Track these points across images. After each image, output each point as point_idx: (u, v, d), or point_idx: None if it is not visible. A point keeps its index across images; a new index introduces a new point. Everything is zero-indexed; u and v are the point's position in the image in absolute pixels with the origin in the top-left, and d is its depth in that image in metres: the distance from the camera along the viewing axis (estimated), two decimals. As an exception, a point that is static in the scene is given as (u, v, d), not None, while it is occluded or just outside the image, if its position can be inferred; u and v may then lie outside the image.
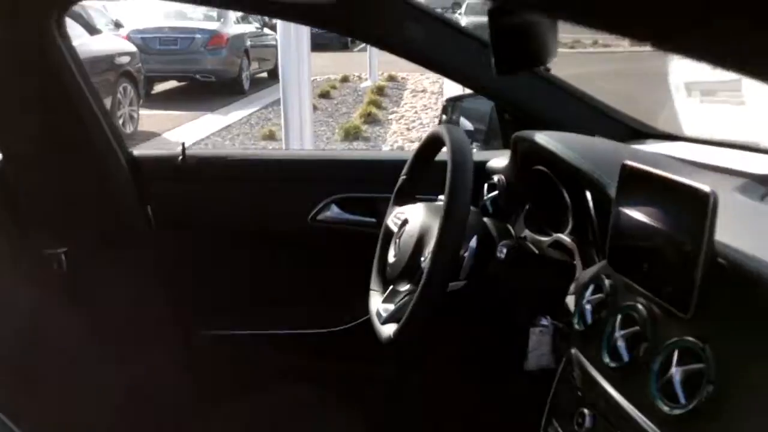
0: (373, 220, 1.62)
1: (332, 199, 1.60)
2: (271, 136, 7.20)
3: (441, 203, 1.29)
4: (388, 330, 1.18)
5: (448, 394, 1.47)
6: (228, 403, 1.52)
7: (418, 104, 9.03)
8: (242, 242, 1.60)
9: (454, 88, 9.80)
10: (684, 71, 1.52)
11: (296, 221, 1.59)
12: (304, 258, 1.61)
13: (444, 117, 1.90)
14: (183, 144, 1.59)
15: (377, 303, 1.29)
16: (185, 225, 1.59)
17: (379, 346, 1.22)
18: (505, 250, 1.16)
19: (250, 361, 1.59)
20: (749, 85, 1.35)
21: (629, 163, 0.99)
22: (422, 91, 10.07)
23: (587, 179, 1.17)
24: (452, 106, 1.89)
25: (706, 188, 0.82)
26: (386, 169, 1.66)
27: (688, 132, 1.47)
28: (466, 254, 1.17)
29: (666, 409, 0.84)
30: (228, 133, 7.64)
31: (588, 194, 1.19)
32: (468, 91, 1.80)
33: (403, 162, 1.48)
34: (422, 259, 1.19)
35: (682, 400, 0.82)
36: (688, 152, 1.32)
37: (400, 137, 7.11)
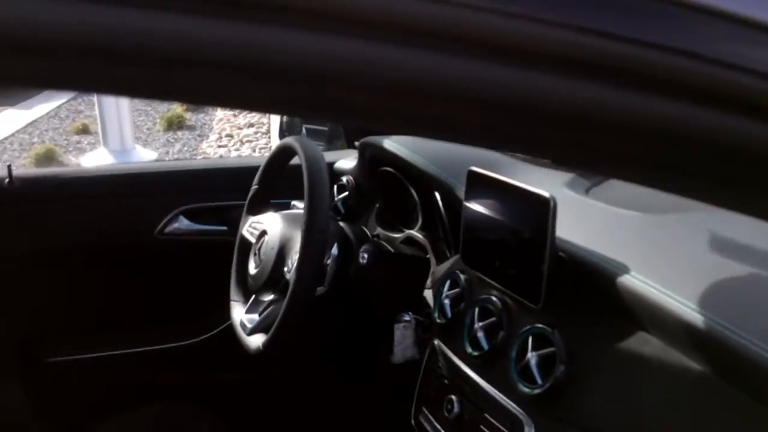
0: (225, 228, 1.61)
1: (180, 210, 1.57)
2: (84, 130, 6.73)
3: (298, 212, 1.32)
4: (256, 341, 1.20)
5: (320, 394, 1.52)
6: (92, 427, 1.46)
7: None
8: (87, 262, 1.53)
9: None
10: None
11: (143, 236, 1.54)
12: (155, 272, 1.57)
13: (285, 118, 1.92)
14: (9, 166, 1.48)
15: (240, 313, 1.30)
16: (20, 252, 1.49)
17: (243, 353, 1.23)
18: (366, 255, 1.22)
19: (111, 382, 1.53)
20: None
21: (475, 169, 1.08)
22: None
23: (436, 182, 1.25)
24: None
25: (546, 194, 0.93)
26: (233, 176, 1.66)
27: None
28: (328, 261, 1.22)
29: (526, 390, 0.94)
30: (35, 129, 7.04)
31: (437, 195, 1.28)
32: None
33: (249, 168, 1.48)
34: (286, 269, 1.21)
35: (539, 381, 0.93)
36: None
37: (227, 124, 6.95)
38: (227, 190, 1.60)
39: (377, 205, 1.51)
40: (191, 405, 1.47)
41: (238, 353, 1.28)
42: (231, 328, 1.32)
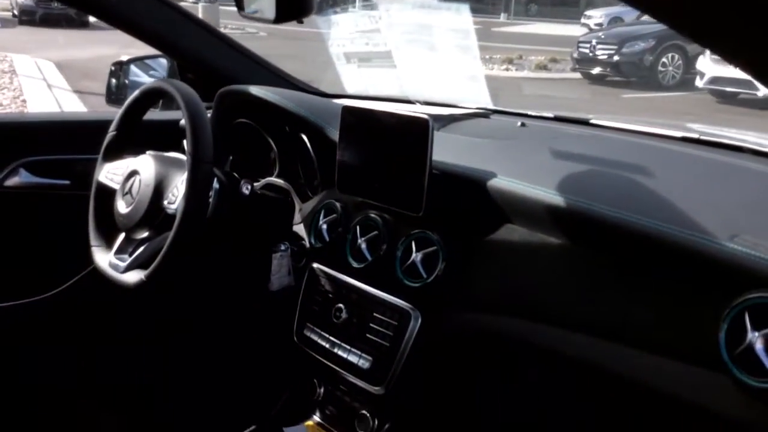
0: (67, 182, 1.56)
1: (19, 163, 1.50)
2: None
3: (168, 154, 1.36)
4: (134, 276, 1.22)
5: (202, 328, 1.53)
6: None
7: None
8: None
9: (27, 66, 8.89)
10: (341, 43, 1.82)
11: None
12: None
13: (114, 81, 1.88)
14: None
15: (107, 256, 1.30)
16: None
17: (108, 296, 1.24)
18: (249, 187, 1.29)
19: None
20: (398, 53, 1.71)
21: (349, 105, 1.22)
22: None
23: (304, 124, 1.37)
24: (121, 68, 1.88)
25: (424, 116, 1.10)
26: (75, 130, 1.61)
27: (351, 91, 1.77)
28: (210, 195, 1.27)
29: (413, 285, 1.10)
30: None
31: (304, 137, 1.39)
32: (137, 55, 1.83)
33: (93, 122, 1.46)
34: (166, 202, 1.24)
35: (424, 275, 1.10)
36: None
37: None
38: (68, 145, 1.55)
39: (230, 158, 1.58)
40: (58, 361, 1.40)
41: (104, 300, 1.28)
42: (94, 274, 1.31)
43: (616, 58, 9.80)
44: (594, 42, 10.14)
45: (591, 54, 10.08)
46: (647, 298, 0.86)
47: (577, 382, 1.01)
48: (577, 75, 10.59)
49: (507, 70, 14.42)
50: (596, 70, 10.10)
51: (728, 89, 7.69)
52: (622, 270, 0.91)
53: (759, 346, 0.73)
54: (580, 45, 10.39)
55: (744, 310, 0.74)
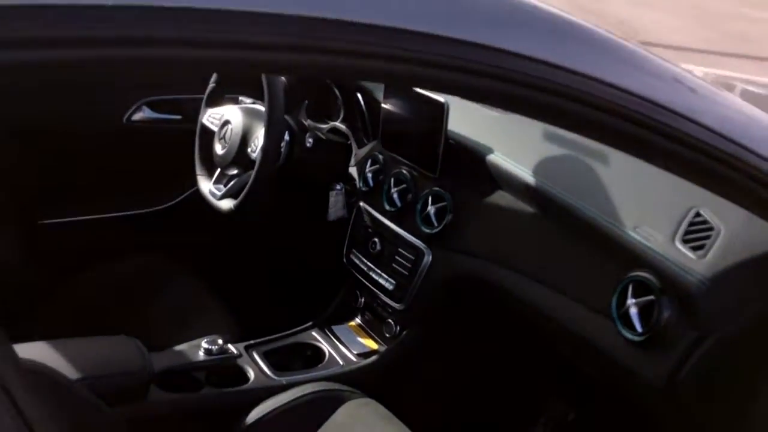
0: (179, 116, 1.96)
1: (143, 101, 1.90)
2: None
3: (252, 106, 1.71)
4: (227, 204, 1.61)
5: (274, 242, 1.95)
6: (72, 278, 1.81)
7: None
8: (72, 141, 1.82)
9: None
10: None
11: (114, 122, 1.86)
12: (127, 152, 1.90)
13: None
14: None
15: (207, 184, 1.70)
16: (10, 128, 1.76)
17: (210, 218, 1.64)
18: (311, 140, 1.64)
19: (93, 242, 1.88)
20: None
21: None
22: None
23: (358, 86, 1.68)
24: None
25: (442, 99, 1.39)
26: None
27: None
28: (282, 145, 1.63)
29: (427, 230, 1.44)
30: None
31: (359, 95, 1.71)
32: None
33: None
34: (249, 150, 1.61)
35: (435, 224, 1.43)
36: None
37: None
38: (180, 86, 1.93)
39: (305, 103, 1.92)
40: (168, 262, 1.84)
41: (205, 218, 1.68)
42: (196, 195, 1.72)
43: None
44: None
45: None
46: (578, 262, 1.17)
47: (520, 315, 1.35)
48: None
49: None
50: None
51: None
52: (567, 238, 1.20)
53: (633, 311, 1.03)
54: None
55: (629, 282, 1.04)
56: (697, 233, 1.02)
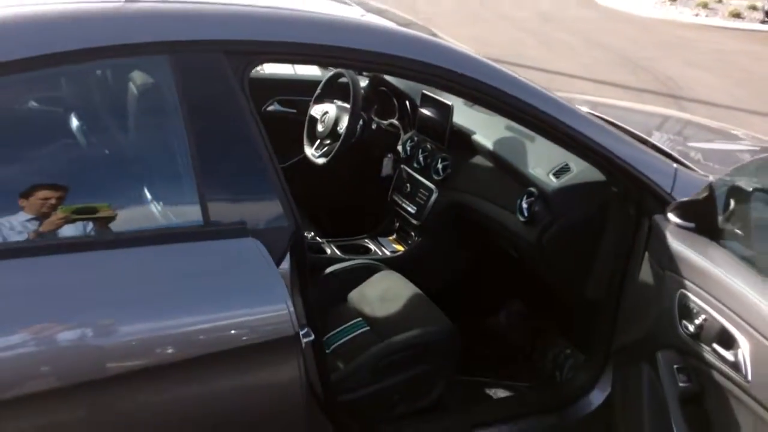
0: (294, 111, 3.09)
1: (274, 99, 3.03)
2: None
3: (342, 104, 2.83)
4: (321, 160, 2.70)
5: (349, 188, 3.01)
6: None
7: None
8: None
9: None
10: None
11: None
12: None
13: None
14: None
15: (310, 150, 2.81)
16: None
17: (314, 168, 2.74)
18: (375, 126, 2.73)
19: None
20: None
21: (425, 91, 2.59)
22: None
23: (408, 97, 2.77)
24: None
25: (449, 102, 2.45)
26: (301, 84, 3.13)
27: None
28: (357, 128, 2.72)
29: (436, 177, 2.50)
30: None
31: (407, 102, 2.79)
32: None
33: (312, 81, 2.95)
34: (338, 129, 2.70)
35: (441, 174, 2.49)
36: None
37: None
38: (299, 91, 3.06)
39: (375, 106, 3.02)
40: None
41: (304, 175, 2.79)
42: (299, 160, 2.82)
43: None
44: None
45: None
46: (504, 186, 2.20)
47: (478, 222, 2.37)
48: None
49: (696, 15, 14.07)
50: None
51: None
52: (501, 175, 2.24)
53: (524, 206, 2.05)
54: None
55: (525, 193, 2.06)
56: (560, 171, 2.03)
